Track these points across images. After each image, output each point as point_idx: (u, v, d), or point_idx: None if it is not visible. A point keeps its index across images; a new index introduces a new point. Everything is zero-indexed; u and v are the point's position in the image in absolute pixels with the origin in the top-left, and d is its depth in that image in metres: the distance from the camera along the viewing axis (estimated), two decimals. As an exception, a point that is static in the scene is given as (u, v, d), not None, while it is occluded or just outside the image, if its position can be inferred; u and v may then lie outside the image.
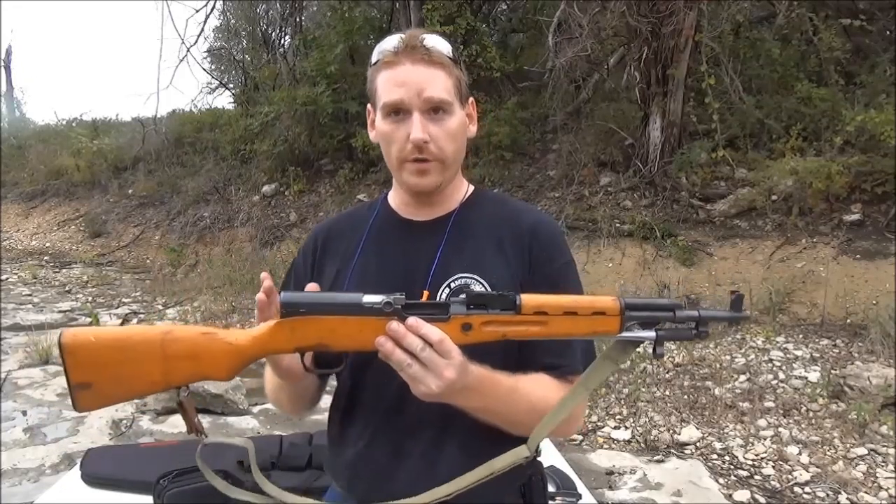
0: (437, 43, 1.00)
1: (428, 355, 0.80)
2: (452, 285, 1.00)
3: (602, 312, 0.82)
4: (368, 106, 1.07)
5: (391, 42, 0.99)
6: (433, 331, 0.81)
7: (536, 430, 0.90)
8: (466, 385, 0.85)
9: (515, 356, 0.98)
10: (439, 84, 0.98)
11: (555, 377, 0.99)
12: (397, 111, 0.98)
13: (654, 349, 0.82)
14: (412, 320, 0.81)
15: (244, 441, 1.02)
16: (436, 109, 0.98)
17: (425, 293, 0.93)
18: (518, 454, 0.90)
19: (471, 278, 1.00)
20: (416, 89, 0.96)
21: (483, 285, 1.00)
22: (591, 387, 0.89)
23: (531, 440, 0.90)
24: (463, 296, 0.85)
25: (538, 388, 0.96)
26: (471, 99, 1.07)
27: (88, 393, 0.79)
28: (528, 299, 0.83)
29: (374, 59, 1.01)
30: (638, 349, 0.88)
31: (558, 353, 0.99)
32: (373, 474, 1.02)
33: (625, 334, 0.83)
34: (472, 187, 1.12)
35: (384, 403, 1.01)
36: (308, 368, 0.89)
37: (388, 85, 0.98)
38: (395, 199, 1.11)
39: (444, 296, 0.99)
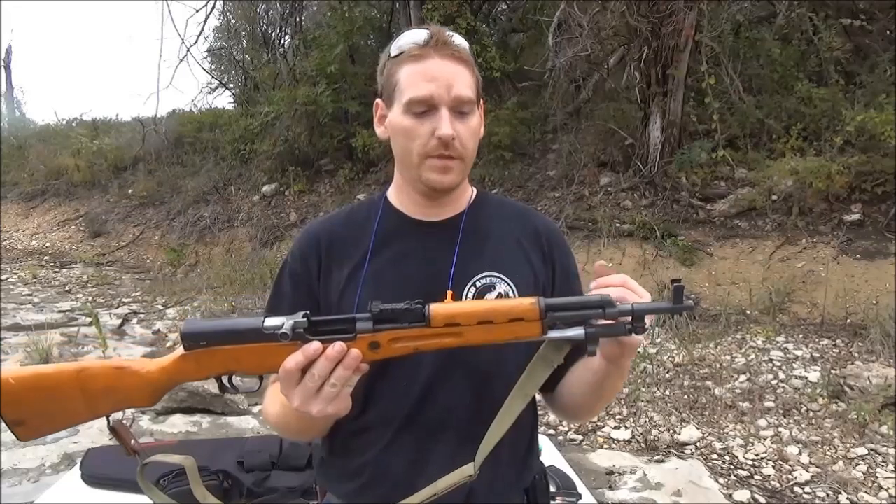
0: (462, 41, 0.97)
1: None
2: (478, 284, 0.98)
3: (520, 318, 0.77)
4: (378, 101, 1.01)
5: (418, 35, 0.95)
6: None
7: (482, 447, 0.86)
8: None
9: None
10: (467, 82, 0.95)
11: None
12: (425, 106, 0.93)
13: (587, 347, 0.78)
14: None
15: (184, 459, 0.98)
16: (462, 107, 0.95)
17: (449, 293, 0.89)
18: (463, 473, 0.87)
19: (496, 277, 0.99)
20: (446, 85, 0.93)
21: (508, 284, 0.99)
22: (528, 392, 0.85)
23: (478, 456, 0.86)
24: (368, 313, 0.78)
25: None
26: (482, 100, 1.04)
27: (23, 428, 0.81)
28: (438, 310, 0.77)
29: (394, 51, 0.97)
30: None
31: None
32: (390, 480, 0.97)
33: (553, 335, 0.78)
34: (474, 189, 1.10)
35: (404, 407, 0.97)
36: (226, 390, 0.85)
37: (415, 79, 0.93)
38: (399, 198, 1.06)
39: (469, 295, 0.98)
